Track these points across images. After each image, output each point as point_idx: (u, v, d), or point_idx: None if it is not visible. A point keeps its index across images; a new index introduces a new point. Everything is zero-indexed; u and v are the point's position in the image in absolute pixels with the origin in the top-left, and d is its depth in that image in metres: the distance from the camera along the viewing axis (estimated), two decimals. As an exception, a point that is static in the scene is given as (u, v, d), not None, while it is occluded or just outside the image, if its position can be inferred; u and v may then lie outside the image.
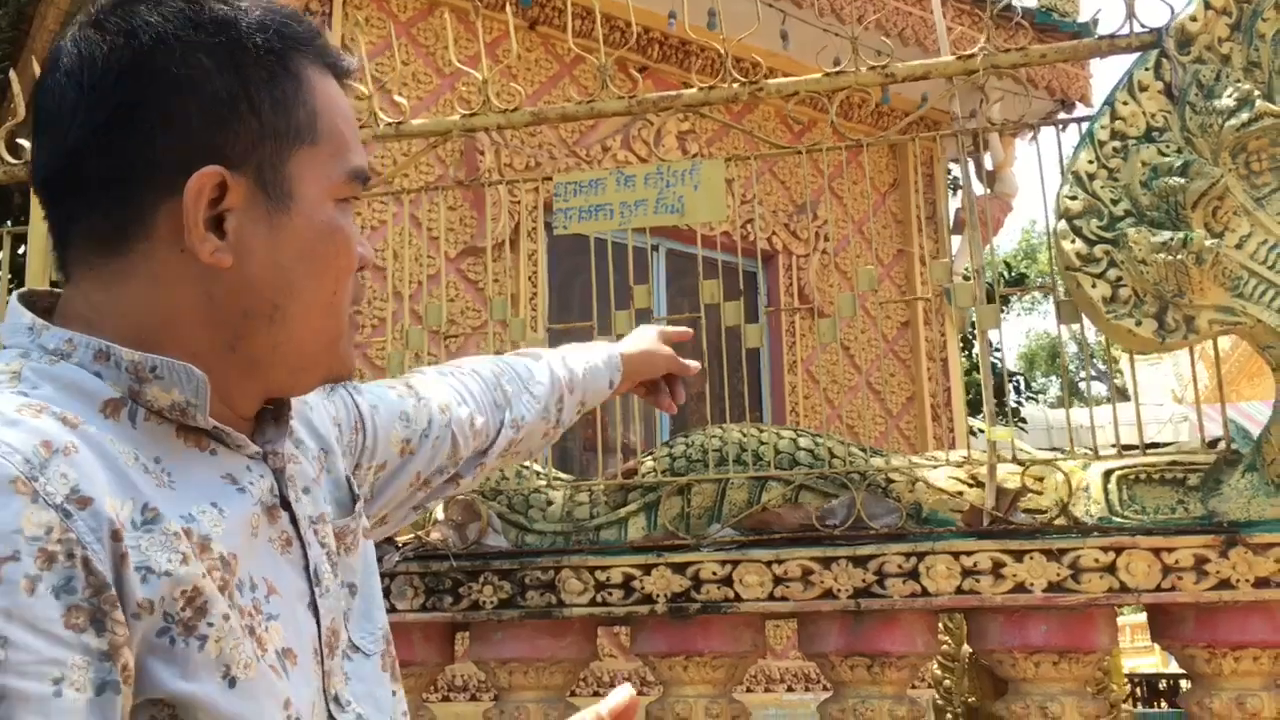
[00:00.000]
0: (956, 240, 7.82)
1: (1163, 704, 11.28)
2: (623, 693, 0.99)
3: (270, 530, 0.89)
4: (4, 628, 0.68)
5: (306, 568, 0.91)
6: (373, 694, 0.96)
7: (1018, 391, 14.82)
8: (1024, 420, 12.62)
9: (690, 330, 1.75)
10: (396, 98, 3.33)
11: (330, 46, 0.97)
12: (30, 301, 0.90)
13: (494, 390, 1.40)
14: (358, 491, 1.07)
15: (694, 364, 1.71)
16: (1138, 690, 12.11)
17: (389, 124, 3.18)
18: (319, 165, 0.91)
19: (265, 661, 0.81)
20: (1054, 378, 27.39)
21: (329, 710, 0.90)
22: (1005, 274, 16.35)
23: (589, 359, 1.58)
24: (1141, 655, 15.01)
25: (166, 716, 0.76)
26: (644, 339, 1.67)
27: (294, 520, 0.92)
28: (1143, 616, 11.94)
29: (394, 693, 1.00)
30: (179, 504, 0.81)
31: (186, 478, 0.84)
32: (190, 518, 0.81)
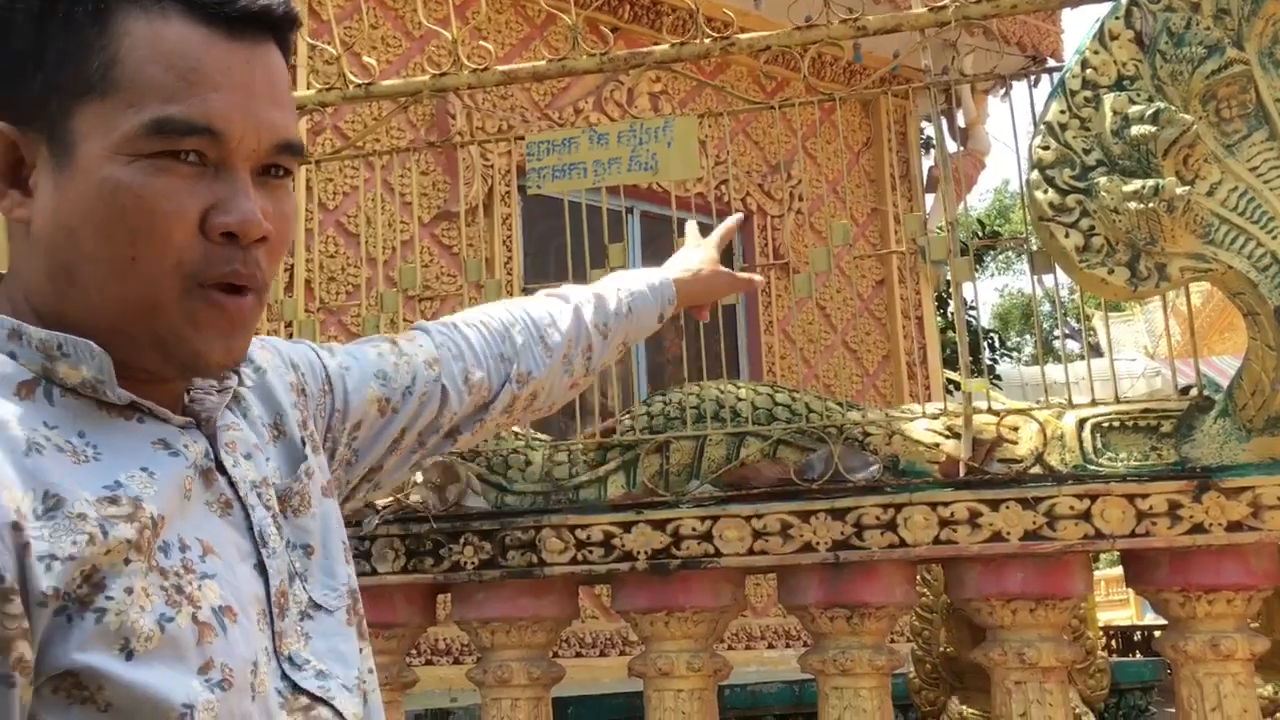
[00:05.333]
0: (930, 199, 7.84)
1: (1137, 655, 11.45)
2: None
3: (207, 494, 0.90)
4: None
5: (250, 529, 0.92)
6: (337, 650, 0.96)
7: (992, 349, 14.91)
8: (998, 377, 12.71)
9: (761, 280, 1.64)
10: (366, 59, 3.30)
11: None
12: None
13: (501, 342, 1.31)
14: (307, 452, 1.04)
15: (759, 278, 1.62)
16: (1112, 642, 12.28)
17: (358, 85, 3.15)
18: (106, 118, 0.84)
19: (199, 618, 0.82)
20: (1028, 336, 27.55)
21: (283, 670, 0.90)
22: (979, 232, 16.41)
23: (634, 287, 1.45)
24: (1116, 608, 15.22)
25: (70, 685, 0.76)
26: (697, 258, 1.53)
27: (232, 483, 0.92)
28: (1117, 570, 12.10)
29: (360, 649, 0.99)
30: (102, 474, 0.82)
31: (112, 447, 0.85)
32: (118, 484, 0.82)
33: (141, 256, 0.84)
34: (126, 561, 0.79)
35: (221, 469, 0.92)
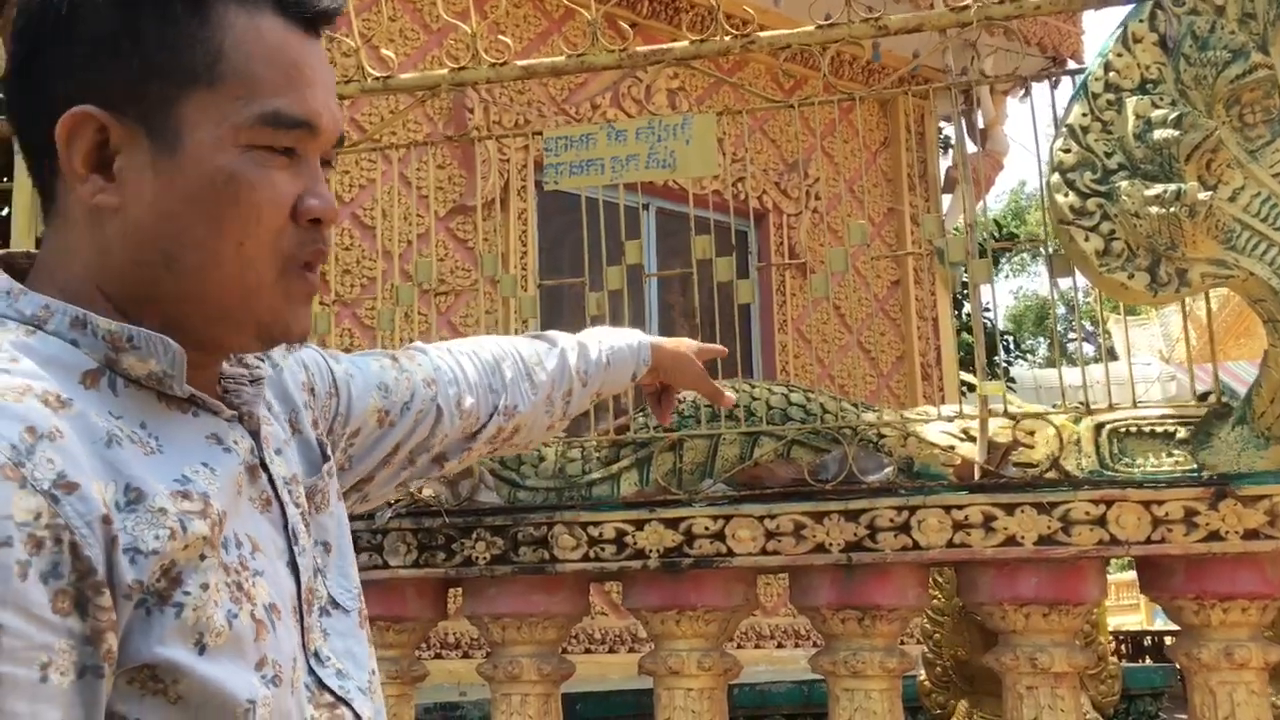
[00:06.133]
0: (947, 199, 7.82)
1: (1147, 660, 11.42)
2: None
3: (251, 490, 0.91)
4: None
5: (286, 526, 0.94)
6: (351, 650, 0.98)
7: (1007, 351, 14.87)
8: (1013, 380, 12.67)
9: (725, 349, 1.71)
10: (384, 52, 3.29)
11: None
12: (8, 264, 0.90)
13: (491, 374, 1.37)
14: (329, 452, 1.07)
15: (730, 396, 1.69)
16: (1122, 647, 12.24)
17: (377, 78, 3.15)
18: (216, 109, 0.86)
19: (255, 615, 0.84)
20: (1042, 339, 27.46)
21: (310, 665, 0.92)
22: (995, 234, 16.36)
23: (614, 343, 1.53)
24: (1127, 613, 15.16)
25: (147, 677, 0.78)
26: (682, 342, 1.63)
27: (271, 480, 0.94)
28: (1129, 575, 12.07)
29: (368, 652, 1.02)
30: (169, 468, 0.83)
31: (173, 440, 0.86)
32: (185, 479, 0.83)
33: (248, 242, 0.87)
34: (202, 558, 0.81)
35: (264, 465, 0.94)
